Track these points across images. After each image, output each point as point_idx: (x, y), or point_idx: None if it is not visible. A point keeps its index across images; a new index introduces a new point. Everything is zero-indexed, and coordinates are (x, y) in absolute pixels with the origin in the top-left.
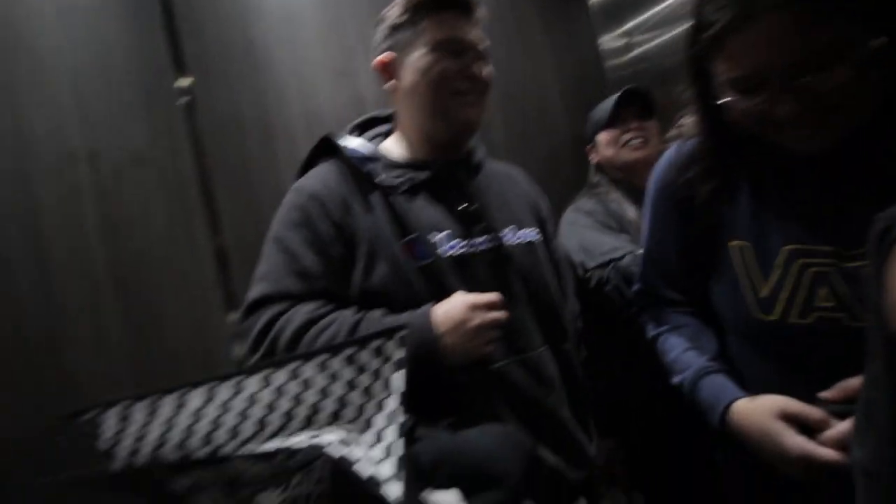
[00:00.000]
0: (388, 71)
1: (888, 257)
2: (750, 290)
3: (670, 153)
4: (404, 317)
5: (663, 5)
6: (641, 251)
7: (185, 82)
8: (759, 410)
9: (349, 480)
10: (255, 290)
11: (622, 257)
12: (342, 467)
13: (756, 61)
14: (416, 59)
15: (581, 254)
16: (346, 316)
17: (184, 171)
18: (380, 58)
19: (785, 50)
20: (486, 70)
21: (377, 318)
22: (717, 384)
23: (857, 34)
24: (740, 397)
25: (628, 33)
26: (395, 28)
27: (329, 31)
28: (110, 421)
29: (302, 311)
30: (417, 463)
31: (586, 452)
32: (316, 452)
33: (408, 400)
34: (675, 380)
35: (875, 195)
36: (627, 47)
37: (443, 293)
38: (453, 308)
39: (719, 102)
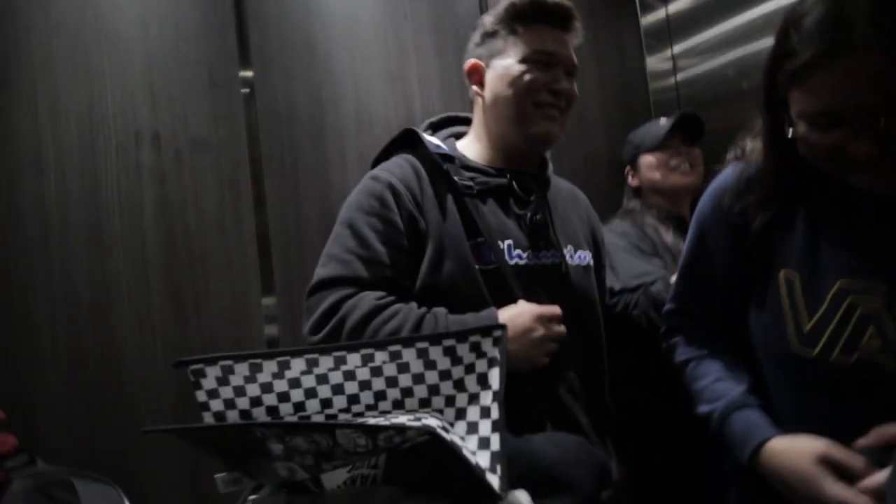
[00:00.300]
0: (477, 76)
1: None
2: (793, 322)
3: (727, 175)
4: (469, 317)
5: (711, 33)
6: (674, 277)
7: (247, 73)
8: (798, 452)
9: (459, 463)
10: (326, 270)
11: (653, 282)
12: (453, 450)
13: (840, 99)
14: (506, 67)
15: (609, 276)
16: (412, 308)
17: (238, 158)
18: (471, 62)
19: (871, 90)
20: (573, 87)
21: (443, 315)
22: (751, 419)
23: None
24: (776, 435)
25: (675, 57)
26: (489, 35)
27: (386, 37)
28: (212, 375)
29: (369, 298)
30: None
31: (611, 474)
32: (427, 430)
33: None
34: (703, 409)
35: None
36: (673, 71)
37: (504, 299)
38: (520, 316)
39: (791, 135)
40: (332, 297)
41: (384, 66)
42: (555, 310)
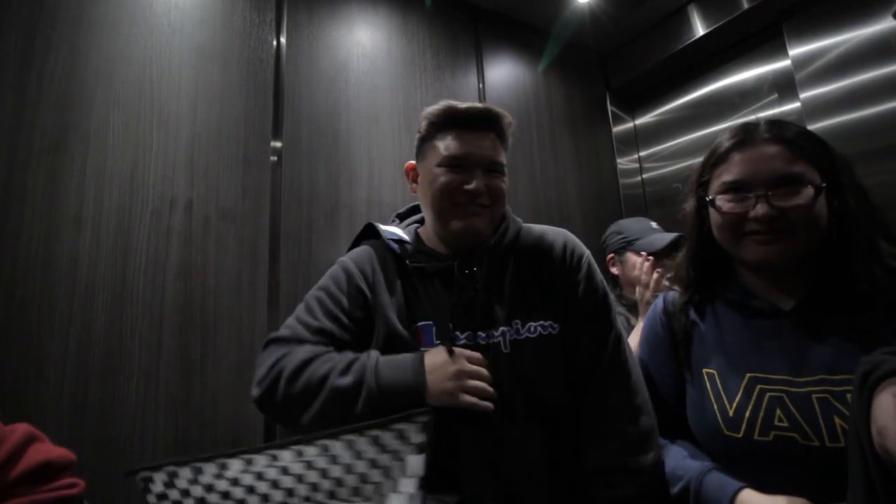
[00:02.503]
0: (412, 175)
1: (872, 395)
2: (719, 411)
3: (658, 301)
4: (398, 357)
5: (670, 144)
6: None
7: (276, 154)
8: (777, 501)
9: None
10: (275, 332)
11: None
12: None
13: (748, 170)
14: (428, 170)
15: None
16: (346, 353)
17: (259, 228)
18: (409, 163)
19: (768, 167)
20: (494, 182)
21: (373, 358)
22: (724, 478)
23: (813, 175)
24: (749, 486)
25: (641, 160)
26: (421, 139)
27: (400, 134)
28: (159, 480)
29: (302, 351)
30: None
31: None
32: None
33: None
34: (677, 488)
35: (816, 336)
36: (639, 171)
37: None
38: (438, 353)
39: (711, 198)
40: (274, 354)
41: (396, 158)
42: (473, 353)
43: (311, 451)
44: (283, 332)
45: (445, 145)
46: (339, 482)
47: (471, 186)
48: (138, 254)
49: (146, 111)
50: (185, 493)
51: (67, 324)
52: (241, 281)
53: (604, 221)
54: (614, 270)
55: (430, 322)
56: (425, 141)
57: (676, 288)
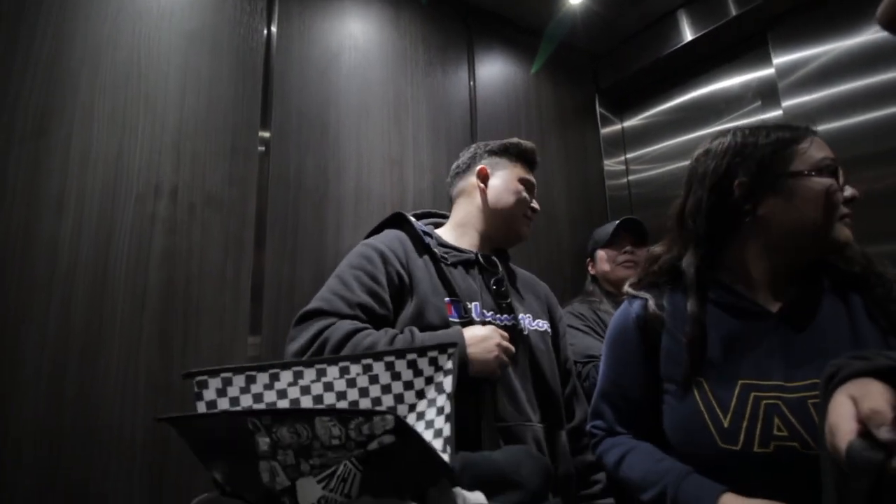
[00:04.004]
0: (483, 177)
1: (832, 396)
2: (712, 423)
3: (624, 307)
4: (439, 333)
5: (656, 146)
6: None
7: (264, 143)
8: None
9: (419, 448)
10: (310, 306)
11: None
12: (412, 432)
13: (832, 155)
14: (508, 181)
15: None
16: (387, 329)
17: (246, 215)
18: (482, 165)
19: (835, 155)
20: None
21: (416, 332)
22: (703, 481)
23: None
24: (730, 490)
25: (627, 162)
26: (493, 153)
27: (389, 128)
28: (213, 387)
29: (346, 324)
30: None
31: (554, 478)
32: (390, 413)
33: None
34: (649, 494)
35: (804, 339)
36: (625, 172)
37: None
38: (479, 329)
39: (808, 171)
40: (315, 326)
41: (385, 152)
42: (504, 333)
43: (354, 369)
44: (318, 304)
45: (524, 171)
46: (376, 401)
47: (535, 206)
48: (121, 239)
49: (132, 97)
50: (235, 401)
51: (46, 306)
52: (226, 269)
53: (590, 222)
54: (592, 271)
55: (458, 299)
56: (501, 156)
57: (640, 294)
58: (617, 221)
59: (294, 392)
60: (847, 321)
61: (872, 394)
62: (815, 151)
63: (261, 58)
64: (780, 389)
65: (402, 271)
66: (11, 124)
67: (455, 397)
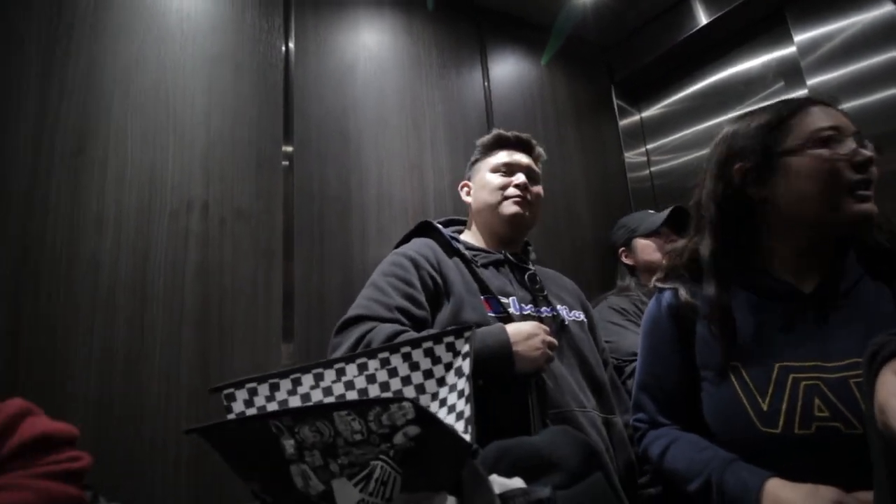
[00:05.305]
0: (466, 189)
1: (878, 374)
2: (751, 407)
3: (656, 298)
4: (482, 330)
5: (677, 135)
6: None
7: (288, 149)
8: (808, 491)
9: (440, 431)
10: (350, 313)
11: None
12: (431, 416)
13: (838, 119)
14: (482, 178)
15: (611, 348)
16: (426, 332)
17: (274, 227)
18: (463, 182)
19: (846, 121)
20: (534, 186)
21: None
22: (748, 468)
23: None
24: (775, 475)
25: (648, 153)
26: (473, 162)
27: (408, 134)
28: (240, 398)
29: (387, 327)
30: (482, 457)
31: (600, 455)
32: (407, 399)
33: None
34: (695, 484)
35: (840, 319)
36: (647, 164)
37: None
38: (524, 325)
39: (799, 145)
40: (357, 331)
41: (404, 157)
42: (546, 327)
43: (373, 364)
44: (357, 311)
45: (497, 157)
46: (399, 394)
47: (518, 181)
48: (158, 254)
49: (161, 118)
50: (263, 409)
51: (90, 325)
52: (257, 280)
53: (612, 216)
54: (628, 261)
55: (494, 295)
56: (477, 161)
57: (669, 286)
58: (654, 211)
59: (317, 394)
60: (887, 297)
61: None
62: (810, 123)
63: (280, 74)
64: (819, 370)
65: (434, 274)
66: (52, 146)
67: (505, 392)
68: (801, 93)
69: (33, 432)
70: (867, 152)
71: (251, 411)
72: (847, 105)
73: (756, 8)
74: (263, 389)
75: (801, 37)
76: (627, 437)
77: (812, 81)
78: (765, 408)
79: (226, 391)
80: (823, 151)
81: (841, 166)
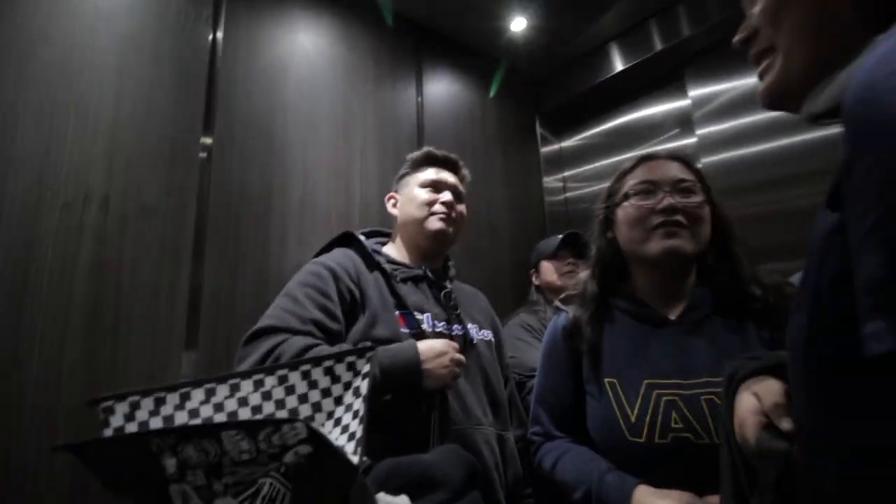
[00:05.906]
0: (392, 201)
1: (735, 394)
2: (622, 418)
3: (554, 319)
4: (393, 346)
5: (591, 166)
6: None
7: (206, 151)
8: (668, 497)
9: (328, 447)
10: (261, 323)
11: None
12: (321, 437)
13: (655, 174)
14: (409, 192)
15: (514, 362)
16: (338, 346)
17: (184, 226)
18: (389, 194)
19: (670, 173)
20: (459, 205)
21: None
22: (621, 476)
23: (699, 188)
24: (644, 482)
25: (565, 179)
26: (400, 178)
27: (337, 138)
28: (120, 412)
29: (299, 340)
30: (373, 476)
31: (481, 476)
32: (298, 420)
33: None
34: (579, 493)
35: (699, 342)
36: (563, 189)
37: None
38: (436, 342)
39: (622, 197)
40: (267, 344)
41: (332, 162)
42: (456, 345)
43: (270, 381)
44: (269, 321)
45: (424, 174)
46: (294, 412)
47: (444, 199)
48: (43, 248)
49: (63, 99)
50: (144, 425)
51: None
52: (161, 282)
53: (531, 236)
54: (536, 281)
55: (409, 311)
56: (406, 175)
57: (567, 309)
58: (561, 235)
59: (207, 410)
60: (733, 328)
61: (772, 389)
62: (631, 179)
63: (205, 65)
64: (677, 387)
65: (353, 288)
66: None
67: (408, 406)
68: (690, 141)
69: None
70: (671, 200)
71: (131, 427)
72: (729, 154)
73: (662, 64)
74: (147, 403)
75: (694, 92)
76: (518, 452)
77: (701, 132)
78: (633, 420)
79: (104, 404)
80: (633, 202)
81: (645, 213)
